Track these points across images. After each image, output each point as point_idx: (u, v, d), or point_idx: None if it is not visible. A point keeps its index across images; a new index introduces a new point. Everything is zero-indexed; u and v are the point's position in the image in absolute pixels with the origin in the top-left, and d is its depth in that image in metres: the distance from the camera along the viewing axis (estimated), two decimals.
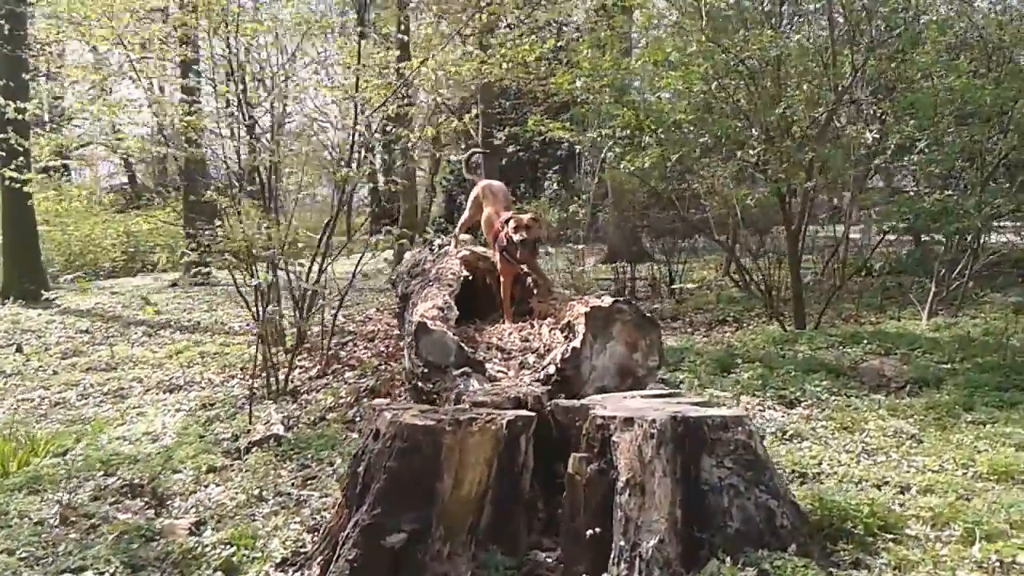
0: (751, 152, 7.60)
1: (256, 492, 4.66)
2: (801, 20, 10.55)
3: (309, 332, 7.95)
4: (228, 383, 7.61)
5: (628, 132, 8.08)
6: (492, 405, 4.16)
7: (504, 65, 10.97)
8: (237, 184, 8.03)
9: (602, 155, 9.80)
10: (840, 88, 7.57)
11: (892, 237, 10.37)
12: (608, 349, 5.19)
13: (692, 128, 7.79)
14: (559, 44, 12.00)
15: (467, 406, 3.99)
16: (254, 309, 6.94)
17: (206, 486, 4.85)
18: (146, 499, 4.67)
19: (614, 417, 3.66)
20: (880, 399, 6.08)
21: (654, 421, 3.55)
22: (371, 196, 23.29)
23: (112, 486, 4.94)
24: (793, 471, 4.55)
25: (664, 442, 3.51)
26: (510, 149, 16.79)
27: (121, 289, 14.58)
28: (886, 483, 4.35)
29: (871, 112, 8.49)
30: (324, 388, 6.94)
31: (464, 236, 7.45)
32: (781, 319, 8.44)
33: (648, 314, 5.29)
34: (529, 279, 6.38)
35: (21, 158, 10.68)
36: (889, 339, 7.70)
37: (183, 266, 14.33)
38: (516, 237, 6.00)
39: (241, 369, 8.02)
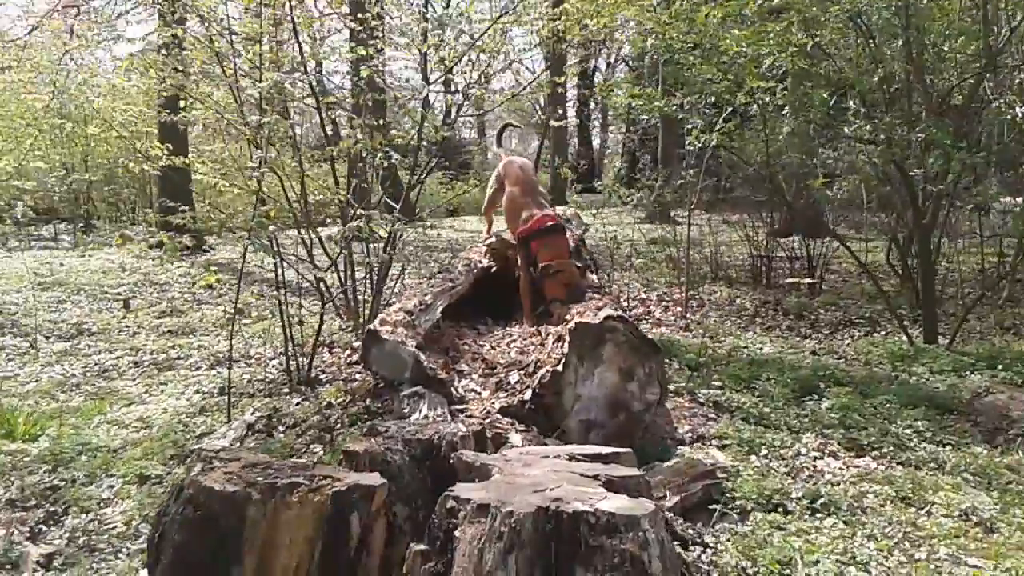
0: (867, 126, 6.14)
1: (138, 524, 4.06)
2: None
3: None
4: (274, 360, 7.14)
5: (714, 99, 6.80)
6: (378, 450, 3.32)
7: None
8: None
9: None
10: (992, 48, 5.95)
11: None
12: (596, 375, 4.23)
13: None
14: None
15: (309, 464, 3.14)
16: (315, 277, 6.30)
17: (105, 505, 4.31)
18: (42, 510, 4.19)
19: (467, 501, 2.74)
20: (982, 452, 4.72)
21: (511, 514, 2.60)
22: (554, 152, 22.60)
23: (36, 487, 4.52)
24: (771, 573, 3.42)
25: (517, 547, 2.57)
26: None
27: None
28: None
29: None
30: (347, 379, 6.29)
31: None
32: (906, 328, 6.95)
33: (648, 335, 4.23)
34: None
35: None
36: None
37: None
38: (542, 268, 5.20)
39: (296, 346, 7.53)
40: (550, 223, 5.49)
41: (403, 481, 3.27)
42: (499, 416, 4.23)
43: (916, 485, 4.20)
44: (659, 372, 4.24)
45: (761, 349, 7.07)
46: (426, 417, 4.08)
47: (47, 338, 8.51)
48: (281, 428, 5.27)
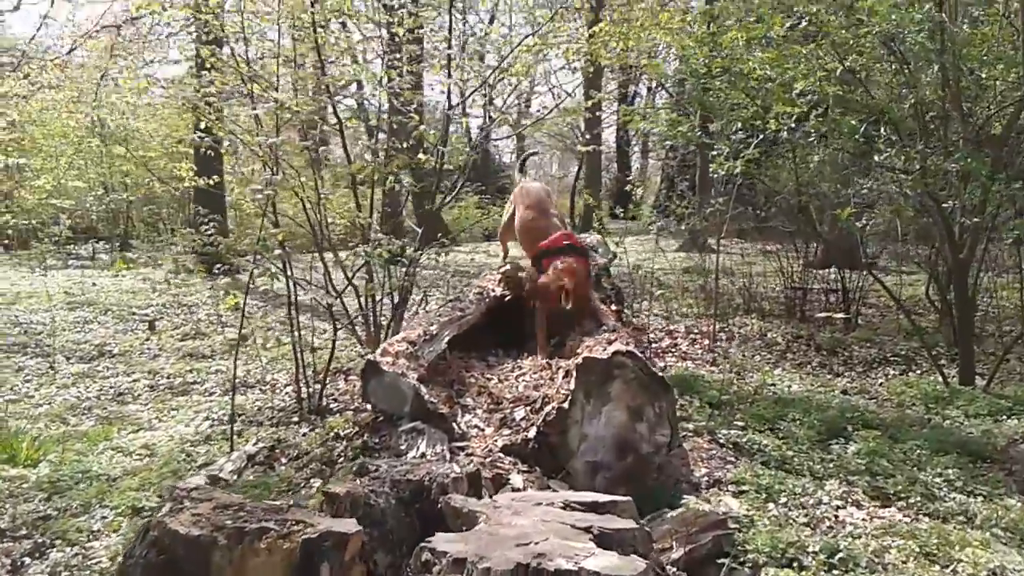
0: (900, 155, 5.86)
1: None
2: None
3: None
4: (288, 387, 7.01)
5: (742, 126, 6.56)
6: (361, 492, 3.14)
7: None
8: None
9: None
10: None
11: None
12: (604, 414, 4.02)
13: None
14: None
15: (284, 507, 2.96)
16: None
17: (93, 538, 4.17)
18: (31, 542, 4.07)
19: (443, 554, 2.55)
20: (1015, 504, 4.43)
21: (487, 571, 2.41)
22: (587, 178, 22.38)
23: (28, 516, 4.40)
24: None
25: None
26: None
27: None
28: None
29: None
30: (356, 409, 6.12)
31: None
32: (941, 368, 6.63)
33: (659, 373, 4.02)
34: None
35: None
36: None
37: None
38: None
39: (311, 372, 7.40)
40: (567, 242, 5.31)
41: (387, 526, 3.10)
42: (501, 455, 4.04)
43: (942, 540, 3.92)
44: (670, 412, 4.02)
45: (789, 387, 6.80)
46: (423, 455, 3.90)
47: (68, 359, 8.48)
48: (284, 460, 5.11)
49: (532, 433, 4.08)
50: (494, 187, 34.29)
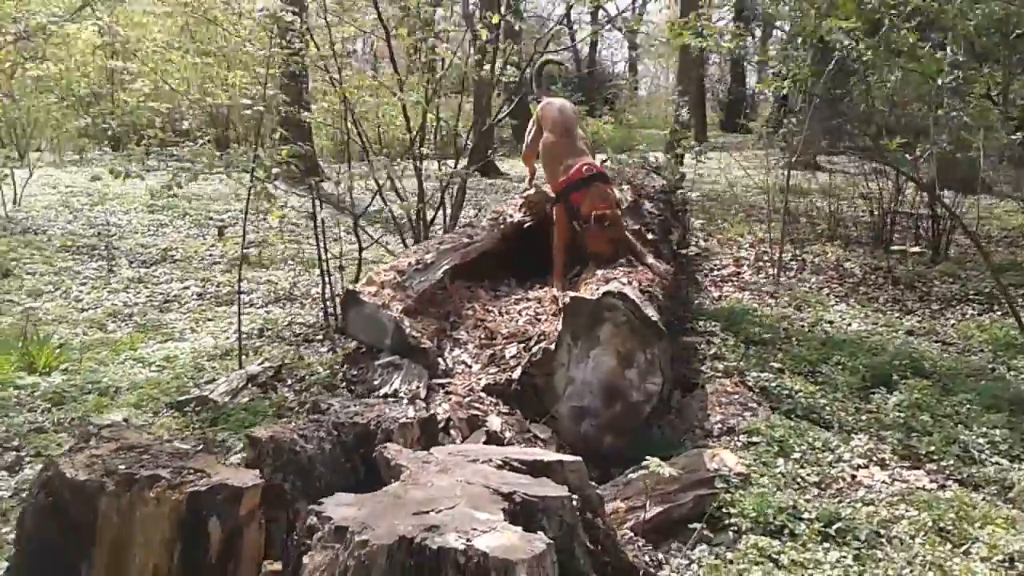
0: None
1: None
2: None
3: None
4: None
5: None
6: (287, 437, 2.95)
7: None
8: None
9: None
10: None
11: None
12: (592, 358, 3.74)
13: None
14: None
15: (191, 451, 2.77)
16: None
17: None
18: (12, 455, 4.08)
19: (327, 519, 2.33)
20: None
21: (364, 544, 2.19)
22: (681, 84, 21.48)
23: (22, 427, 4.41)
24: None
25: None
26: None
27: None
28: None
29: None
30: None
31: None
32: (1017, 313, 5.99)
33: (653, 318, 3.68)
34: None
35: None
36: None
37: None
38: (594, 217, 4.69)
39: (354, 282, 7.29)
40: (588, 172, 4.92)
41: (314, 474, 2.91)
42: (483, 395, 3.80)
43: (962, 514, 3.50)
44: (661, 359, 3.68)
45: (849, 325, 6.30)
46: (395, 392, 3.70)
47: (131, 263, 8.60)
48: (289, 381, 5.00)
49: (517, 373, 3.82)
50: (601, 96, 33.40)
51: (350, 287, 4.17)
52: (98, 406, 4.65)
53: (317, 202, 6.09)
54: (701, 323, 5.94)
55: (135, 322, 6.57)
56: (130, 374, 5.29)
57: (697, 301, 6.87)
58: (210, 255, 9.11)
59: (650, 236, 5.56)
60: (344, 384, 4.09)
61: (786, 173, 7.85)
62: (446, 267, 4.55)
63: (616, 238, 4.83)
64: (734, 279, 7.70)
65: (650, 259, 4.92)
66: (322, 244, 6.01)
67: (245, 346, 5.75)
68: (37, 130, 17.02)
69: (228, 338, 6.10)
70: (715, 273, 7.88)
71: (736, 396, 4.72)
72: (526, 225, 5.19)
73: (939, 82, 5.26)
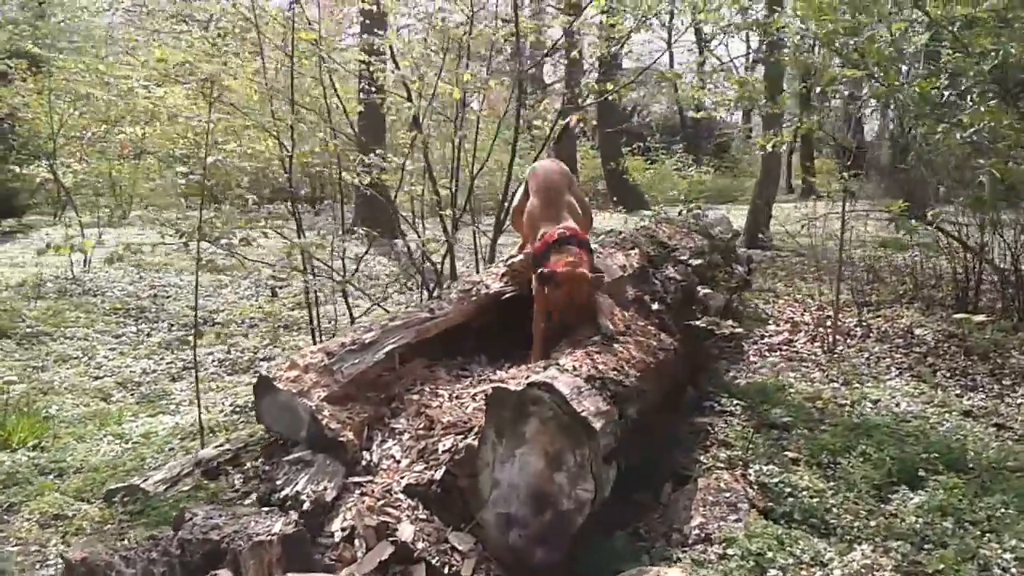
0: None
1: None
2: None
3: None
4: None
5: None
6: (102, 560, 2.60)
7: None
8: None
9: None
10: None
11: None
12: (518, 458, 3.29)
13: None
14: None
15: None
16: None
17: None
18: None
19: None
20: None
21: None
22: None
23: None
24: None
25: None
26: None
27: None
28: None
29: None
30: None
31: None
32: None
33: (582, 413, 3.20)
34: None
35: None
36: None
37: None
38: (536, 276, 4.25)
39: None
40: (563, 235, 4.44)
41: None
42: (401, 497, 3.37)
43: None
44: (592, 462, 3.17)
45: (897, 405, 5.58)
46: (296, 495, 3.32)
47: (170, 327, 8.55)
48: (247, 465, 4.65)
49: (439, 473, 3.38)
50: (711, 145, 32.49)
51: (263, 372, 3.81)
52: (41, 490, 4.43)
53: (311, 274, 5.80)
54: (723, 401, 5.37)
55: (140, 392, 6.42)
56: (100, 452, 5.08)
57: (731, 374, 6.26)
58: (251, 318, 8.99)
59: (656, 306, 5.04)
60: (257, 481, 3.72)
61: (843, 222, 7.14)
62: (391, 346, 4.14)
63: (578, 300, 4.31)
64: (784, 348, 7.03)
65: (606, 325, 4.33)
66: (314, 307, 5.78)
67: (231, 422, 5.51)
68: (134, 190, 17.68)
69: (222, 411, 5.88)
70: (764, 340, 7.23)
71: (728, 494, 4.14)
72: (505, 296, 4.75)
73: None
